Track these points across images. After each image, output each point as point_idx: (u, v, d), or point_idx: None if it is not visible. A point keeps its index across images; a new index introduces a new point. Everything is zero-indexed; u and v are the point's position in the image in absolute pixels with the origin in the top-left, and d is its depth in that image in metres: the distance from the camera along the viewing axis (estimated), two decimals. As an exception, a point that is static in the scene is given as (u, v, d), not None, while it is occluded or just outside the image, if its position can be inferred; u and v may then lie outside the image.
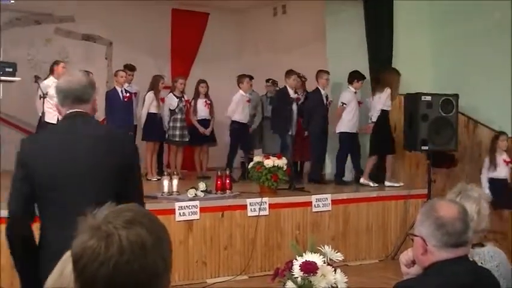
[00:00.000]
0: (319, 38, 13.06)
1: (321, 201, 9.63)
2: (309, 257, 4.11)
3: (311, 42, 13.80)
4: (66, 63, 11.64)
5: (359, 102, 11.67)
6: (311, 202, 9.56)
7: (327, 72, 11.89)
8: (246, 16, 16.07)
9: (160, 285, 1.81)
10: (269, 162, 9.36)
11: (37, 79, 9.59)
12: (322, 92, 11.88)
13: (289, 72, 11.90)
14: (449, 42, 11.50)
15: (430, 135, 9.84)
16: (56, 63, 11.15)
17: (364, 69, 11.66)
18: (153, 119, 12.32)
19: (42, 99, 9.49)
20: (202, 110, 12.74)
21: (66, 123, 3.79)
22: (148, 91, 12.38)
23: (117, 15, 14.46)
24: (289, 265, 4.18)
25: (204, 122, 12.71)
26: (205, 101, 12.78)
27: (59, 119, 3.93)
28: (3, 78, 6.81)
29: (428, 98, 9.93)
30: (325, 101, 11.89)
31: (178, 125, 12.31)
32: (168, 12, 15.43)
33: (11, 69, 6.74)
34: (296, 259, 4.12)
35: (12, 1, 12.92)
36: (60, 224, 3.28)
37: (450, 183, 10.50)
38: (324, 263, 4.14)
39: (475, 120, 11.20)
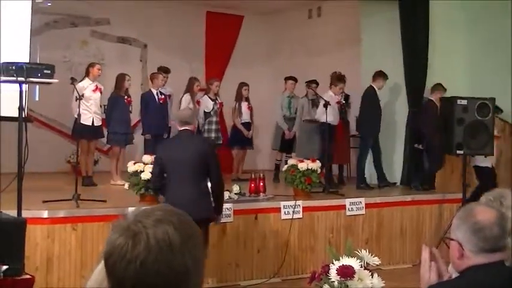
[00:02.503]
0: (354, 41, 13.01)
1: (355, 205, 9.60)
2: (346, 261, 4.09)
3: (346, 45, 13.75)
4: (102, 65, 11.74)
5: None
6: (345, 205, 9.54)
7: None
8: (281, 18, 16.04)
9: (190, 285, 1.81)
10: (303, 166, 9.36)
11: (73, 81, 9.68)
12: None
13: (380, 74, 11.41)
14: (486, 45, 11.42)
15: (466, 139, 9.74)
16: (92, 65, 11.24)
17: (399, 72, 11.59)
18: None
19: (78, 101, 9.57)
20: (245, 113, 12.79)
21: (182, 135, 7.15)
22: (185, 93, 12.44)
23: (152, 18, 14.55)
24: (325, 269, 4.17)
25: (246, 125, 12.76)
26: (248, 105, 12.83)
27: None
28: (41, 80, 6.88)
29: (464, 101, 9.84)
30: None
31: (213, 127, 12.33)
32: (202, 14, 15.48)
33: (49, 72, 6.81)
34: (333, 263, 4.10)
35: (49, 3, 13.11)
36: (175, 184, 6.90)
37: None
38: (361, 267, 4.12)
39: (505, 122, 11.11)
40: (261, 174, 9.54)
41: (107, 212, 7.82)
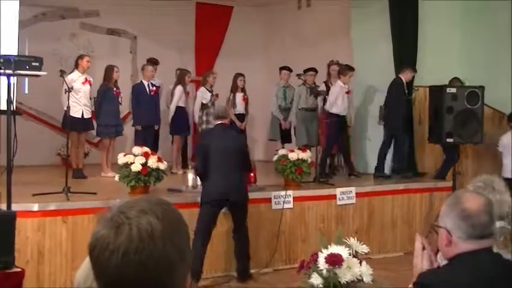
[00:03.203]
0: (344, 31, 12.99)
1: (346, 194, 9.62)
2: (335, 249, 4.10)
3: (336, 35, 13.72)
4: (91, 58, 11.71)
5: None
6: (335, 195, 9.56)
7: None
8: (270, 9, 16.01)
9: (175, 275, 1.79)
10: (293, 156, 9.36)
11: (62, 73, 9.64)
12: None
13: (406, 68, 11.21)
14: (474, 35, 11.43)
15: (456, 128, 9.77)
16: (81, 57, 11.20)
17: (389, 61, 11.59)
18: (181, 113, 12.40)
19: (67, 93, 9.54)
20: (239, 104, 12.70)
21: (218, 127, 8.01)
22: (176, 85, 12.42)
23: (142, 10, 14.49)
24: (314, 257, 4.17)
25: (240, 117, 12.67)
26: (243, 96, 12.75)
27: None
28: (29, 72, 6.86)
29: (454, 90, 9.87)
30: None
31: (211, 118, 12.30)
32: (192, 6, 15.43)
33: (37, 64, 6.78)
34: (321, 251, 4.11)
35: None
36: (219, 171, 7.66)
37: (476, 175, 10.44)
38: (350, 255, 4.12)
39: (500, 112, 11.12)
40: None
41: (98, 204, 7.80)
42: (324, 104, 11.71)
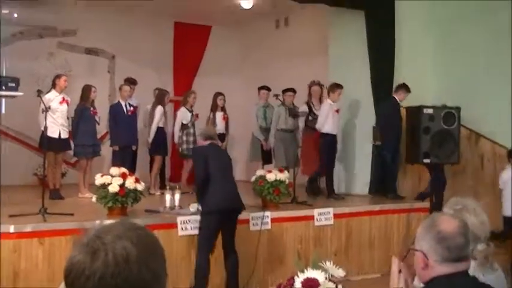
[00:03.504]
0: (321, 50, 13.06)
1: (324, 215, 9.62)
2: (311, 273, 4.09)
3: (313, 54, 13.79)
4: (69, 77, 11.66)
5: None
6: (313, 216, 9.55)
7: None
8: (248, 29, 16.08)
9: None
10: (271, 176, 9.36)
11: (40, 93, 9.58)
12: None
13: (402, 86, 11.17)
14: (451, 54, 11.53)
15: (432, 148, 9.83)
16: (58, 76, 11.14)
17: (366, 81, 11.66)
18: (161, 134, 12.39)
19: (44, 113, 9.49)
20: (219, 123, 12.70)
21: (210, 146, 8.08)
22: (156, 105, 12.41)
23: (120, 29, 14.51)
24: (290, 282, 4.16)
25: (220, 137, 12.41)
26: (223, 115, 12.77)
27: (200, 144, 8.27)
28: (5, 93, 6.82)
29: (430, 110, 9.94)
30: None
31: (191, 139, 12.31)
32: (170, 25, 15.48)
33: (13, 84, 6.77)
34: (298, 275, 4.10)
35: (15, 14, 13.02)
36: (217, 182, 7.71)
37: (454, 196, 10.49)
38: (326, 279, 4.12)
39: (477, 133, 11.21)
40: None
41: (75, 225, 7.73)
42: (305, 125, 11.77)
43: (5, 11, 11.28)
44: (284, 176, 9.44)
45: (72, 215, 8.35)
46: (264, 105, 12.94)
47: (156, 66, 14.85)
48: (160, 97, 12.56)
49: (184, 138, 12.39)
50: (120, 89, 12.27)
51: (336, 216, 9.73)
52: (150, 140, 12.35)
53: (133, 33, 14.66)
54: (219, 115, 12.72)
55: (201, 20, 15.55)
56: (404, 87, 11.13)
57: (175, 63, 15.62)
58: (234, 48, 16.18)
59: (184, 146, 12.35)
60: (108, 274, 1.73)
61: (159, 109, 12.34)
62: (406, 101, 11.00)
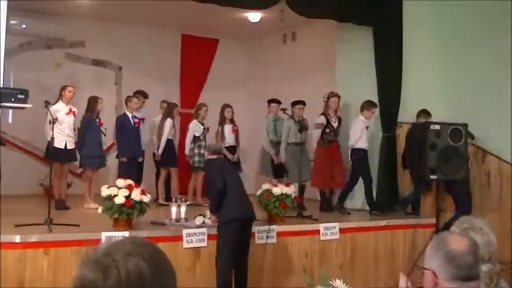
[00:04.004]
0: (328, 66, 13.07)
1: (329, 230, 9.60)
2: (320, 290, 4.09)
3: (320, 70, 13.81)
4: (76, 88, 11.69)
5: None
6: (319, 230, 9.53)
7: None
8: (256, 42, 16.12)
9: None
10: (277, 190, 9.35)
11: (47, 104, 9.60)
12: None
13: (423, 111, 11.10)
14: (459, 72, 11.52)
15: (439, 165, 9.80)
16: (64, 88, 11.18)
17: (373, 97, 11.65)
18: (170, 146, 12.42)
19: (51, 124, 9.52)
20: (229, 136, 12.64)
21: (220, 160, 8.45)
22: (165, 118, 12.44)
23: (127, 41, 14.55)
24: (300, 298, 4.16)
25: (231, 149, 12.56)
26: (232, 127, 12.71)
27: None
28: (15, 105, 6.84)
29: (437, 127, 9.91)
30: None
31: (202, 151, 12.19)
32: (178, 37, 15.50)
33: (23, 96, 6.78)
34: (307, 292, 4.10)
35: (24, 25, 13.06)
36: (237, 194, 8.04)
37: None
38: (335, 296, 4.12)
39: (483, 150, 11.19)
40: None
41: (80, 236, 7.75)
42: (321, 137, 11.61)
43: (13, 22, 11.31)
44: (290, 190, 9.43)
45: (77, 226, 8.36)
46: (274, 118, 12.86)
47: (162, 78, 14.88)
48: (169, 110, 12.59)
49: (196, 150, 12.39)
50: (127, 100, 12.26)
51: (341, 230, 9.72)
52: (160, 152, 12.36)
53: (140, 46, 14.70)
54: (228, 128, 12.66)
55: (208, 33, 15.58)
56: (425, 112, 11.08)
57: (182, 75, 15.63)
58: (241, 61, 16.21)
59: (196, 159, 12.34)
60: None
61: (168, 122, 12.37)
62: (414, 117, 11.02)
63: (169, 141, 12.43)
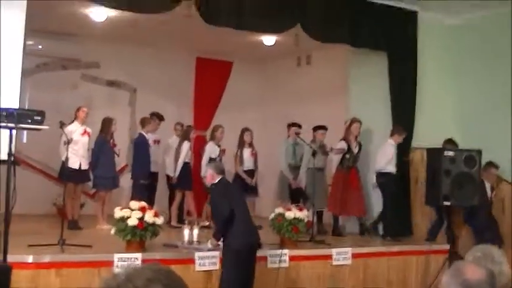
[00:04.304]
0: (342, 90, 13.09)
1: (341, 255, 9.57)
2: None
3: (334, 93, 13.82)
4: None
5: None
6: (331, 255, 9.50)
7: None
8: (270, 65, 16.16)
9: None
10: (290, 214, 9.33)
11: (62, 125, 9.67)
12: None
13: (449, 141, 11.11)
14: (472, 98, 11.54)
15: (453, 191, 9.78)
16: (78, 108, 11.28)
17: (386, 121, 11.65)
18: (186, 169, 12.43)
19: (66, 145, 9.58)
20: (248, 159, 12.53)
21: (224, 180, 8.19)
22: (183, 140, 12.49)
23: (142, 63, 14.62)
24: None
25: (249, 173, 12.44)
26: (251, 151, 12.57)
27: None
28: (31, 126, 6.90)
29: (451, 153, 9.92)
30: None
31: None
32: (192, 60, 15.56)
33: (39, 118, 6.83)
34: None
35: (40, 46, 13.16)
36: (244, 217, 7.89)
37: (473, 239, 10.48)
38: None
39: (498, 176, 11.16)
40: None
41: (93, 258, 7.77)
42: (340, 162, 11.56)
43: (29, 42, 11.39)
44: (303, 214, 9.41)
45: (90, 247, 8.36)
46: (294, 142, 12.59)
47: (176, 100, 14.92)
48: (186, 133, 12.62)
49: None
50: (145, 121, 12.31)
51: (354, 256, 9.68)
52: (176, 174, 12.39)
53: (155, 67, 14.76)
54: (247, 151, 12.54)
55: (223, 56, 15.64)
56: (451, 142, 11.03)
57: (196, 97, 15.67)
58: (255, 84, 16.23)
59: None
60: None
61: (185, 144, 12.39)
62: (427, 142, 11.00)
63: (185, 164, 12.42)
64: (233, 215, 7.74)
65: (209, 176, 8.18)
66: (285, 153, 12.48)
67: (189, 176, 12.55)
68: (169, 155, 12.82)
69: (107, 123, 11.56)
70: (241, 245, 7.74)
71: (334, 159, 11.68)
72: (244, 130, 12.66)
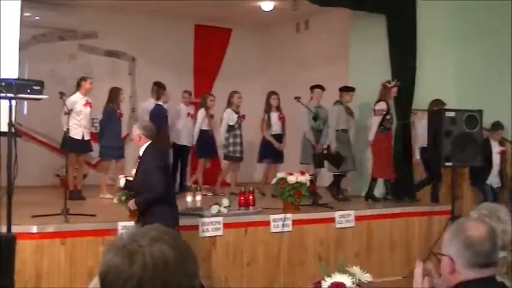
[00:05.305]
0: (341, 54, 13.05)
1: (344, 217, 9.60)
2: (338, 277, 4.08)
3: (334, 58, 13.77)
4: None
5: None
6: (334, 218, 9.53)
7: None
8: (269, 32, 16.11)
9: None
10: (292, 179, 9.34)
11: (62, 95, 9.66)
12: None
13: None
14: (472, 59, 11.48)
15: (454, 151, 9.77)
16: (84, 79, 11.23)
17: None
18: (205, 136, 12.42)
19: (67, 115, 9.58)
20: (276, 124, 12.23)
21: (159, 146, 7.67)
22: (199, 108, 12.49)
23: (140, 31, 14.56)
24: (317, 285, 4.15)
25: (277, 137, 12.20)
26: (279, 115, 12.28)
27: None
28: (31, 96, 6.88)
29: (452, 113, 9.88)
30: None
31: (238, 140, 12.16)
32: (191, 28, 15.50)
33: (38, 88, 6.81)
34: (324, 279, 4.09)
35: (37, 17, 13.09)
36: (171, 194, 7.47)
37: (475, 199, 10.51)
38: (353, 283, 4.11)
39: (502, 137, 11.18)
40: (251, 188, 9.49)
41: (96, 226, 7.80)
42: (381, 124, 11.18)
43: (26, 14, 11.31)
44: (305, 178, 9.40)
45: (94, 215, 8.40)
46: (316, 105, 11.95)
47: (176, 68, 14.86)
48: (203, 100, 12.60)
49: (231, 140, 12.17)
50: (160, 92, 12.30)
51: (356, 218, 9.72)
52: (194, 142, 12.43)
53: (153, 36, 14.70)
54: (274, 115, 12.28)
55: (221, 23, 15.57)
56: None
57: (196, 65, 15.64)
58: (254, 50, 16.19)
59: (231, 148, 12.17)
60: (146, 277, 1.73)
61: (201, 111, 12.41)
62: (427, 104, 10.98)
63: (204, 132, 12.40)
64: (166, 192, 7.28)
65: (136, 136, 7.42)
66: (307, 116, 11.64)
67: (209, 143, 12.51)
68: (179, 123, 12.77)
69: (114, 93, 11.56)
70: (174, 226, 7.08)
71: (374, 121, 11.22)
72: (271, 93, 12.35)
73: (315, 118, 11.09)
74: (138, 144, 7.37)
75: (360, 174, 12.07)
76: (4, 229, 6.62)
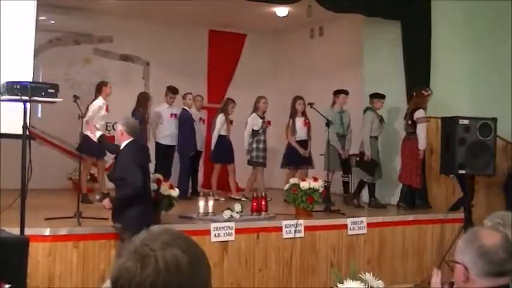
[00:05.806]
0: (356, 60, 13.01)
1: (357, 224, 9.57)
2: (350, 284, 4.08)
3: (347, 65, 13.75)
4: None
5: None
6: (346, 225, 9.51)
7: None
8: (283, 37, 16.10)
9: None
10: (305, 185, 9.33)
11: (76, 99, 9.70)
12: None
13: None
14: (487, 65, 11.44)
15: (468, 159, 9.74)
16: (104, 84, 11.31)
17: (401, 93, 11.60)
18: (223, 142, 12.44)
19: (80, 118, 9.64)
20: (300, 129, 12.04)
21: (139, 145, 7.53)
22: (219, 113, 12.51)
23: (155, 36, 14.59)
24: (331, 292, 4.15)
25: (302, 143, 12.04)
26: (304, 120, 12.08)
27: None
28: (45, 99, 6.92)
29: (466, 121, 9.85)
30: None
31: (261, 146, 12.12)
32: (205, 33, 15.51)
33: (53, 91, 6.85)
34: (336, 286, 4.09)
35: (53, 21, 13.15)
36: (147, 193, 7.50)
37: (488, 207, 10.45)
38: (365, 290, 4.11)
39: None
40: (263, 193, 9.50)
41: (109, 229, 7.81)
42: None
43: (42, 18, 11.36)
44: (318, 184, 9.39)
45: (106, 219, 8.40)
46: (340, 110, 11.85)
47: (190, 73, 14.86)
48: (224, 106, 12.62)
49: (255, 145, 12.12)
50: (183, 97, 12.58)
51: (369, 225, 9.69)
52: (212, 147, 12.47)
53: (168, 41, 14.74)
54: (300, 121, 12.07)
55: (235, 28, 15.58)
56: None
57: (210, 70, 15.63)
58: (269, 56, 16.18)
59: (254, 154, 12.12)
60: (159, 282, 1.73)
61: (220, 117, 12.43)
62: (441, 112, 10.89)
63: (222, 137, 12.39)
64: (144, 189, 7.35)
65: (118, 132, 7.57)
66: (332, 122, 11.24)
67: (227, 149, 12.47)
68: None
69: (144, 98, 11.67)
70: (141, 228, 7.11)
71: (422, 129, 10.94)
72: (297, 98, 12.18)
73: (328, 124, 10.95)
74: (120, 140, 7.48)
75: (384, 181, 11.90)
76: (17, 231, 6.65)
